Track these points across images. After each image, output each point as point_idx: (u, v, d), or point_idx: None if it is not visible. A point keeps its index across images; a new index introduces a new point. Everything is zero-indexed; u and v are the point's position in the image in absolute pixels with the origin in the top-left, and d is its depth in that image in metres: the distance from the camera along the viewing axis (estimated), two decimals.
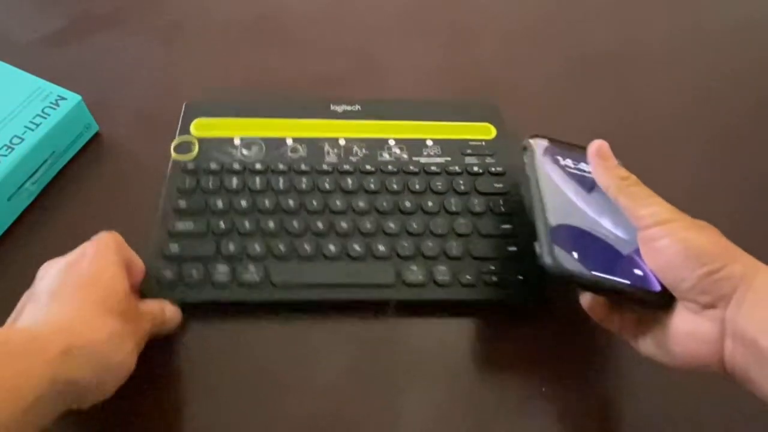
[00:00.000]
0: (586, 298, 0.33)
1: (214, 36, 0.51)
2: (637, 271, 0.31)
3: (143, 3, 0.49)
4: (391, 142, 0.43)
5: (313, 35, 0.52)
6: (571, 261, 0.30)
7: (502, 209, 0.40)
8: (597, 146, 0.33)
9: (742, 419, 0.35)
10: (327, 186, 0.40)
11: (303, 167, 0.41)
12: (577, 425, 0.34)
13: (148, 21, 0.50)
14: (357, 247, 0.38)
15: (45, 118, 0.41)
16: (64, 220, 0.40)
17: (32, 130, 0.40)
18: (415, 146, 0.43)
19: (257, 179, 0.40)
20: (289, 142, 0.43)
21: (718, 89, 0.52)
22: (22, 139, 0.39)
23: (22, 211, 0.40)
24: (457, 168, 0.42)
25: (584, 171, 0.35)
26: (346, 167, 0.41)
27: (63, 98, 0.42)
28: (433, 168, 0.42)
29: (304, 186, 0.40)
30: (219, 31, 0.52)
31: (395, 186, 0.41)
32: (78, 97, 0.42)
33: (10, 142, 0.39)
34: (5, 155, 0.38)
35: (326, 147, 0.43)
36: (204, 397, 0.34)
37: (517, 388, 0.35)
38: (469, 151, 0.43)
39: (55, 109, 0.41)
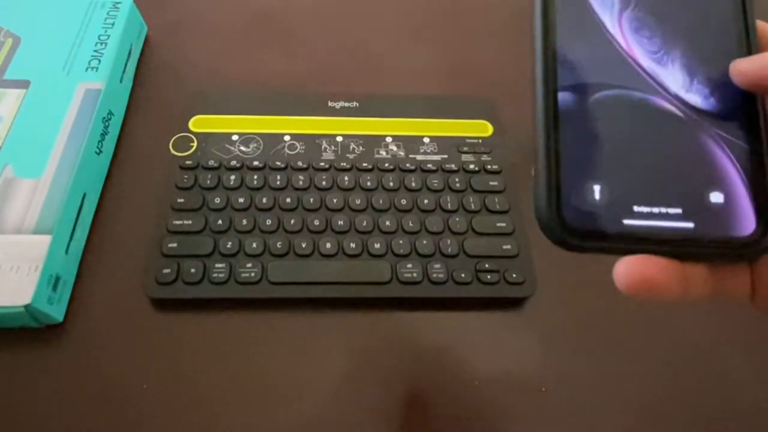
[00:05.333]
0: (633, 266, 0.18)
1: (213, 34, 0.51)
2: (715, 194, 0.18)
3: (143, 2, 0.49)
4: (388, 140, 0.44)
5: (311, 33, 0.52)
6: (590, 208, 0.18)
7: (498, 207, 0.40)
8: None
9: (739, 415, 0.35)
10: (324, 183, 0.41)
11: (300, 164, 0.42)
12: (577, 425, 0.35)
13: (146, 20, 0.50)
14: (353, 245, 0.38)
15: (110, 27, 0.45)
16: None
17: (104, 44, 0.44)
18: (411, 143, 0.43)
19: (255, 176, 0.41)
20: (287, 138, 0.43)
21: None
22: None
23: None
24: (453, 165, 0.42)
25: None
26: (343, 164, 0.42)
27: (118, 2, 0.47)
28: (430, 165, 0.42)
29: (301, 183, 0.41)
30: (218, 29, 0.52)
31: (391, 183, 0.41)
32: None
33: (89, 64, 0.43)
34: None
35: (324, 144, 0.43)
36: (203, 396, 0.34)
37: (515, 387, 0.36)
38: (465, 149, 0.43)
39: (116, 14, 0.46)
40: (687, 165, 0.19)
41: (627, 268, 0.18)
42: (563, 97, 0.19)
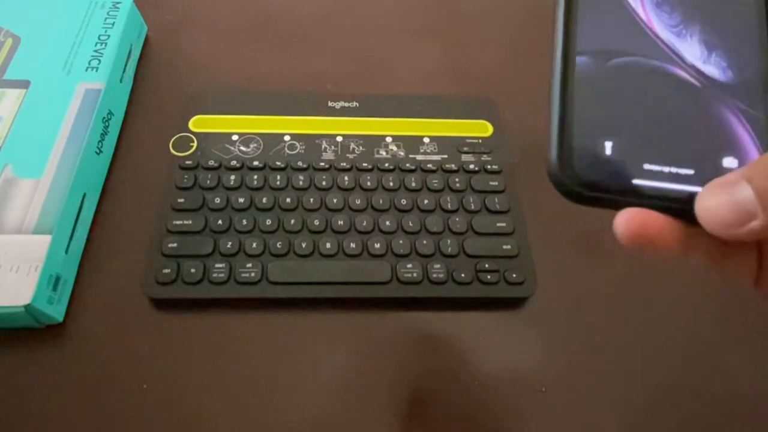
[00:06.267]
0: (632, 219, 0.18)
1: (213, 34, 0.51)
2: (729, 159, 0.19)
3: (142, 3, 0.49)
4: (388, 140, 0.44)
5: (311, 33, 0.52)
6: (600, 162, 0.18)
7: (498, 207, 0.40)
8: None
9: (739, 414, 0.35)
10: (324, 183, 0.41)
11: (300, 164, 0.42)
12: (577, 425, 0.35)
13: (146, 20, 0.50)
14: (353, 245, 0.38)
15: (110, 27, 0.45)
16: None
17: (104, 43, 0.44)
18: (412, 143, 0.43)
19: (255, 176, 0.41)
20: (287, 138, 0.43)
21: None
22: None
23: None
24: (453, 166, 0.42)
25: None
26: (343, 164, 0.42)
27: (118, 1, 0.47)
28: (430, 165, 0.42)
29: (301, 183, 0.41)
30: (218, 29, 0.52)
31: (391, 183, 0.41)
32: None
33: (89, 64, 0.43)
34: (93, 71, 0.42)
35: (324, 144, 0.43)
36: (203, 396, 0.34)
37: (515, 387, 0.36)
38: (465, 149, 0.43)
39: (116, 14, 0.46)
40: (701, 129, 0.19)
41: (628, 219, 0.18)
42: (581, 59, 0.20)
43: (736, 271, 0.19)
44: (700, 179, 0.18)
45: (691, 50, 0.20)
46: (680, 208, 0.18)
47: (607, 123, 0.19)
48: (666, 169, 0.19)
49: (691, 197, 0.18)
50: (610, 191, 0.18)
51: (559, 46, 0.20)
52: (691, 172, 0.19)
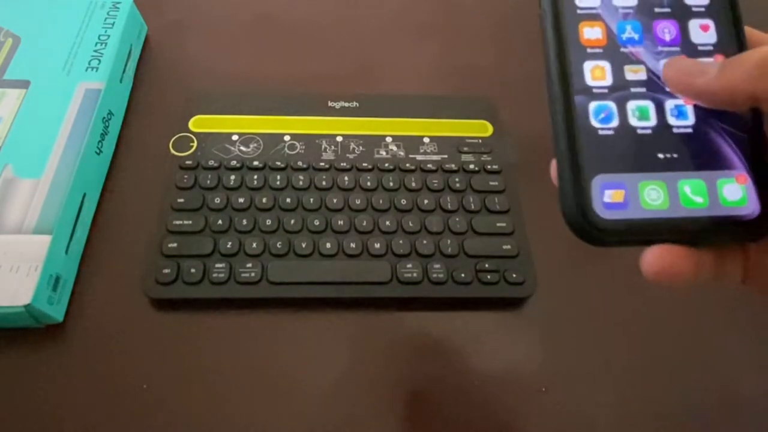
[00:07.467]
0: (662, 256, 0.19)
1: (213, 34, 0.51)
2: (725, 182, 0.20)
3: (142, 3, 0.49)
4: (388, 140, 0.44)
5: (311, 33, 0.52)
6: (618, 203, 0.19)
7: (498, 207, 0.40)
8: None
9: (738, 413, 0.35)
10: (324, 183, 0.41)
11: (300, 164, 0.42)
12: (577, 425, 0.35)
13: (146, 20, 0.50)
14: (353, 245, 0.38)
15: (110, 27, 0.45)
16: None
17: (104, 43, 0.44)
18: (411, 143, 0.43)
19: (255, 176, 0.41)
20: (287, 138, 0.43)
21: None
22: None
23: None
24: (453, 165, 0.42)
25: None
26: (343, 164, 0.42)
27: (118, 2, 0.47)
28: (429, 165, 0.42)
29: (301, 183, 0.41)
30: (218, 29, 0.52)
31: (391, 183, 0.41)
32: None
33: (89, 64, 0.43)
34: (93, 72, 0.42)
35: (324, 144, 0.43)
36: (202, 396, 0.34)
37: (515, 387, 0.36)
38: (465, 149, 0.43)
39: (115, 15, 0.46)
40: (699, 157, 0.20)
41: (654, 258, 0.19)
42: (579, 100, 0.20)
43: (729, 275, 0.21)
44: (708, 204, 0.19)
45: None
46: (692, 234, 0.19)
47: (615, 163, 0.20)
48: (678, 201, 0.19)
49: (700, 222, 0.19)
50: (628, 233, 0.19)
51: (557, 87, 0.20)
52: (700, 199, 0.20)
